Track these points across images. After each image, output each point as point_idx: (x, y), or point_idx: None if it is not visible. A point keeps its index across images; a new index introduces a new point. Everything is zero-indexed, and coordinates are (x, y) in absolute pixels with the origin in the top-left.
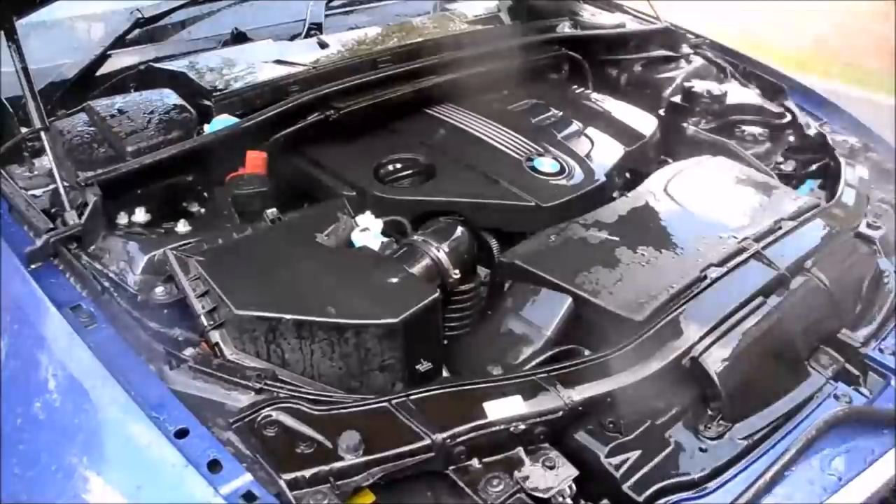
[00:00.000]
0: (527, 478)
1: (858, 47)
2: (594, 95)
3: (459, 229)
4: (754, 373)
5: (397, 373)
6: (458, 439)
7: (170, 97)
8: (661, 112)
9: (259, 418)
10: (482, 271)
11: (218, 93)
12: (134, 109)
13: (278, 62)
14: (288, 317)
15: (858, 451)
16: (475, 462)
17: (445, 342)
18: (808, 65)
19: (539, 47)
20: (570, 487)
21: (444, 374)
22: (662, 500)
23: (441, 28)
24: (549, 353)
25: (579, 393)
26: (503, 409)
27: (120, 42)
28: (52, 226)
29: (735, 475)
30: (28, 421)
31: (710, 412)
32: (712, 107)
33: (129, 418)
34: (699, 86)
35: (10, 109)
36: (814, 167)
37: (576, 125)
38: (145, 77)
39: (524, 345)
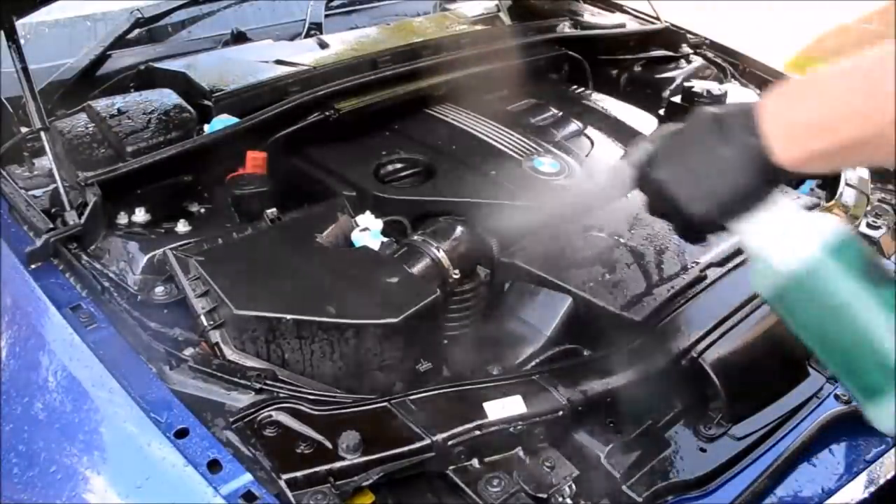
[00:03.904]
0: (527, 478)
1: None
2: (594, 95)
3: (459, 229)
4: (754, 373)
5: (397, 373)
6: (458, 439)
7: (170, 97)
8: (661, 112)
9: (259, 418)
10: (482, 271)
11: (218, 93)
12: (134, 109)
13: (278, 62)
14: (288, 317)
15: (858, 451)
16: (475, 462)
17: (445, 342)
18: (808, 65)
19: (539, 47)
20: (569, 487)
21: (444, 373)
22: (662, 500)
23: (441, 28)
24: (549, 353)
25: (579, 393)
26: (503, 409)
27: (120, 42)
28: (52, 226)
29: (735, 475)
30: (28, 421)
31: (710, 412)
32: None
33: (129, 418)
34: (699, 86)
35: (10, 109)
36: None
37: (576, 125)
38: (145, 77)
39: (524, 345)
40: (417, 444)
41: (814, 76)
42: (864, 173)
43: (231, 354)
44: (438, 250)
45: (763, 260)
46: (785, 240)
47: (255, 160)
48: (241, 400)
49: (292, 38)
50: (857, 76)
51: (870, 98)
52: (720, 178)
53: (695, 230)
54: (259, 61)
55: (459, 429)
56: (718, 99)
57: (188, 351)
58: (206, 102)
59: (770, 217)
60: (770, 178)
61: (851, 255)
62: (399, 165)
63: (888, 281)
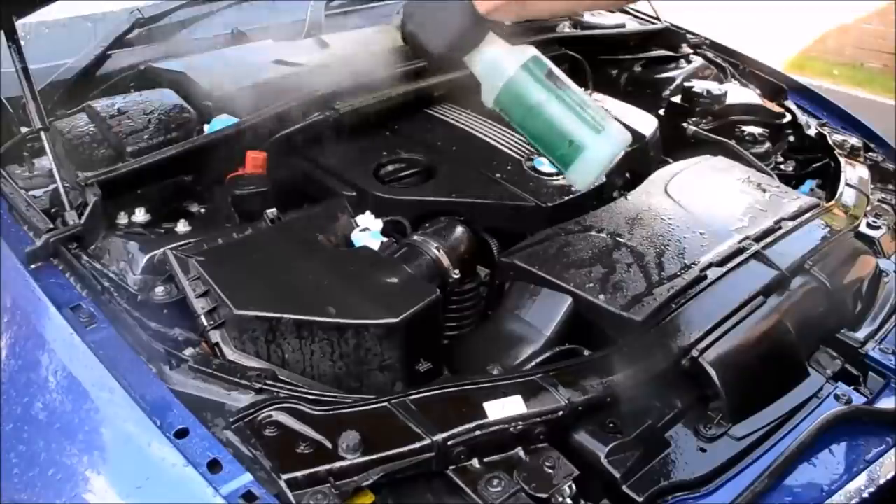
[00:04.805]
0: (527, 478)
1: (858, 47)
2: (594, 95)
3: (459, 229)
4: (754, 373)
5: (397, 373)
6: (458, 439)
7: (170, 97)
8: (661, 112)
9: (259, 418)
10: (482, 271)
11: (218, 93)
12: (134, 109)
13: (278, 62)
14: (288, 317)
15: (858, 451)
16: (475, 462)
17: (445, 342)
18: (808, 65)
19: (539, 47)
20: (570, 487)
21: (444, 373)
22: (662, 501)
23: None
24: (549, 353)
25: (579, 393)
26: (503, 409)
27: (120, 42)
28: (52, 226)
29: (735, 475)
30: (28, 421)
31: (710, 412)
32: (712, 107)
33: (129, 418)
34: (699, 86)
35: (10, 109)
36: (814, 167)
37: None
38: (145, 77)
39: (524, 345)
40: (417, 444)
41: None
42: (864, 173)
43: (231, 354)
44: (438, 250)
45: (484, 80)
46: (495, 64)
47: (255, 160)
48: (241, 400)
49: (292, 39)
50: None
51: None
52: (447, 25)
53: (436, 65)
54: (259, 61)
55: (459, 429)
56: (718, 99)
57: (188, 351)
58: (206, 102)
59: (486, 51)
60: (478, 23)
61: (538, 70)
62: (399, 165)
63: (563, 85)
